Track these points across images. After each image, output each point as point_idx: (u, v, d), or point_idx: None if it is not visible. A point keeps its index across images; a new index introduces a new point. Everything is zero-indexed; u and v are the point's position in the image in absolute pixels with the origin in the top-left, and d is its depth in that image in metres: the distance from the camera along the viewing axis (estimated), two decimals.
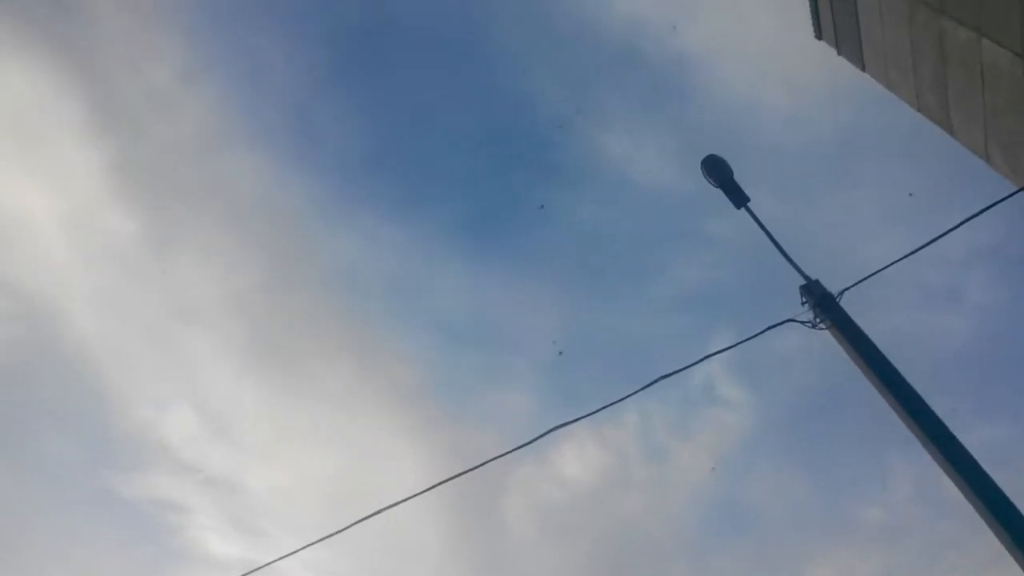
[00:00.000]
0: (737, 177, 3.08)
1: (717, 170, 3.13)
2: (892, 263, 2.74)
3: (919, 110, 7.03)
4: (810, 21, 7.92)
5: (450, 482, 5.73)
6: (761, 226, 2.98)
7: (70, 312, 12.99)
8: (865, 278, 2.72)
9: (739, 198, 3.07)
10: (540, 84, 15.20)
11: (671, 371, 3.44)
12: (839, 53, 7.82)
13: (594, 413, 3.43)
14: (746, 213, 3.02)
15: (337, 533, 5.20)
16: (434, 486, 5.02)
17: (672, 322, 14.82)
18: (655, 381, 3.00)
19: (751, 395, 14.20)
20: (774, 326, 2.80)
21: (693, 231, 14.96)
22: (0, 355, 12.66)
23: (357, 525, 5.40)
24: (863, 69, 7.62)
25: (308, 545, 4.39)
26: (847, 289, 2.74)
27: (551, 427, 3.70)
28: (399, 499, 5.52)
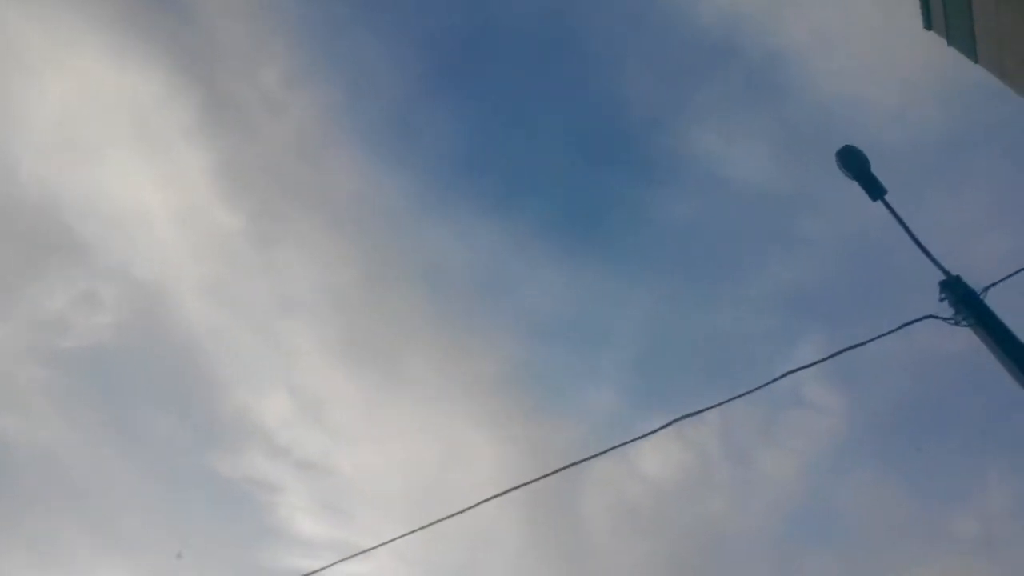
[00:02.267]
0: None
1: (853, 161, 2.87)
2: None
3: None
4: (918, 11, 7.42)
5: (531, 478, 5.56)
6: (899, 219, 2.71)
7: (179, 300, 13.45)
8: (1013, 274, 2.42)
9: (876, 190, 2.81)
10: (633, 82, 14.92)
11: (797, 368, 3.19)
12: (949, 44, 7.30)
13: (721, 404, 3.21)
14: (881, 206, 2.76)
15: (423, 528, 5.06)
16: (524, 484, 4.86)
17: (764, 321, 14.31)
18: (780, 378, 2.79)
19: (848, 398, 13.56)
20: (913, 322, 2.53)
21: (788, 230, 14.41)
22: (113, 337, 13.20)
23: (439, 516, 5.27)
24: (976, 60, 7.08)
25: (396, 538, 4.29)
26: (993, 285, 2.46)
27: (674, 418, 3.48)
28: (483, 495, 5.37)
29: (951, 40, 7.09)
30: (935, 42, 7.37)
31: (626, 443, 5.35)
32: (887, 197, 2.79)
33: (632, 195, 15.67)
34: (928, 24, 7.24)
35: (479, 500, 5.11)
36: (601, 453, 5.15)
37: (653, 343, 14.74)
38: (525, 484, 5.07)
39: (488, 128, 16.42)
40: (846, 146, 2.92)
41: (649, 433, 5.49)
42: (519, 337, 15.29)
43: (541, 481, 5.65)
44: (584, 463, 5.59)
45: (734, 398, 5.03)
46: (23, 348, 12.57)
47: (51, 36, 13.07)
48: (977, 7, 6.51)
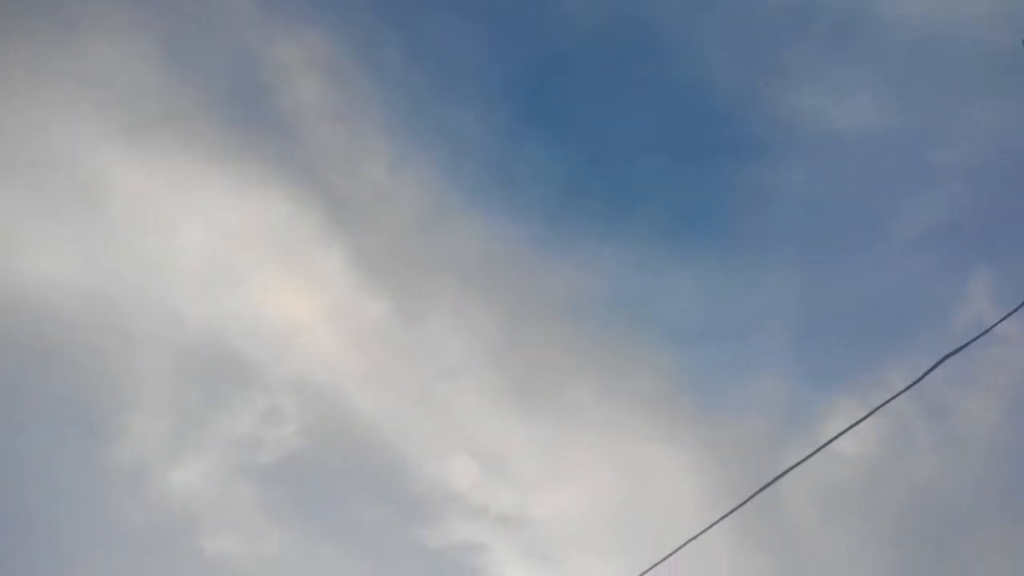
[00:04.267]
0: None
1: None
2: None
3: None
4: None
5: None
6: None
7: (350, 393, 14.19)
8: None
9: None
10: (717, 64, 14.68)
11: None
12: None
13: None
14: None
15: (653, 568, 5.13)
16: (732, 511, 4.85)
17: (921, 263, 13.58)
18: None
19: None
20: None
21: (921, 165, 13.69)
22: (303, 443, 14.02)
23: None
24: None
25: None
26: None
27: (937, 361, 3.43)
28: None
29: None
30: None
31: (830, 441, 5.22)
32: None
33: (744, 176, 15.31)
34: None
35: (690, 532, 5.15)
36: (807, 458, 5.05)
37: (810, 318, 14.24)
38: (733, 511, 5.04)
39: (583, 153, 16.55)
40: None
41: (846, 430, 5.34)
42: (670, 346, 15.13)
43: (740, 490, 5.62)
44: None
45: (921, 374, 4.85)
46: (228, 471, 13.56)
47: (175, 187, 14.29)
48: None
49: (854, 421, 4.79)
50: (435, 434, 14.14)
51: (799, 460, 4.86)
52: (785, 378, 14.00)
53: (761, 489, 4.73)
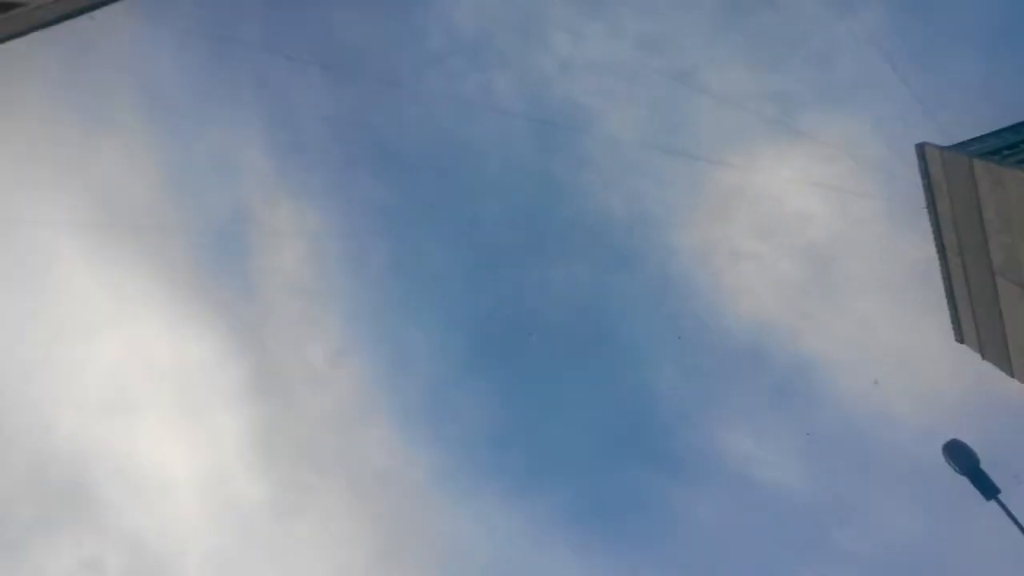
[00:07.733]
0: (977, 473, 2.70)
1: (963, 457, 2.80)
2: None
3: None
4: (949, 325, 7.65)
5: None
6: (1015, 521, 2.57)
7: (184, 571, 12.74)
8: None
9: (989, 489, 2.72)
10: (664, 379, 15.19)
11: None
12: (984, 357, 7.42)
13: None
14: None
15: None
16: None
17: None
18: None
19: None
20: None
21: (821, 541, 13.75)
22: None
23: None
24: (1011, 374, 7.14)
25: None
26: None
27: None
28: None
29: (985, 355, 7.21)
30: (968, 355, 7.50)
31: None
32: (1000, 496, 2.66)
33: (657, 491, 15.25)
34: (960, 338, 7.42)
35: None
36: None
37: None
38: None
39: (517, 413, 16.56)
40: (953, 440, 2.87)
41: None
42: None
43: None
44: None
45: None
46: None
47: (115, 299, 13.87)
48: (1010, 326, 6.69)
49: None
50: None
51: None
52: None
53: None
